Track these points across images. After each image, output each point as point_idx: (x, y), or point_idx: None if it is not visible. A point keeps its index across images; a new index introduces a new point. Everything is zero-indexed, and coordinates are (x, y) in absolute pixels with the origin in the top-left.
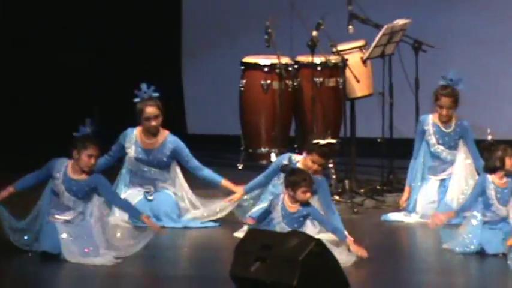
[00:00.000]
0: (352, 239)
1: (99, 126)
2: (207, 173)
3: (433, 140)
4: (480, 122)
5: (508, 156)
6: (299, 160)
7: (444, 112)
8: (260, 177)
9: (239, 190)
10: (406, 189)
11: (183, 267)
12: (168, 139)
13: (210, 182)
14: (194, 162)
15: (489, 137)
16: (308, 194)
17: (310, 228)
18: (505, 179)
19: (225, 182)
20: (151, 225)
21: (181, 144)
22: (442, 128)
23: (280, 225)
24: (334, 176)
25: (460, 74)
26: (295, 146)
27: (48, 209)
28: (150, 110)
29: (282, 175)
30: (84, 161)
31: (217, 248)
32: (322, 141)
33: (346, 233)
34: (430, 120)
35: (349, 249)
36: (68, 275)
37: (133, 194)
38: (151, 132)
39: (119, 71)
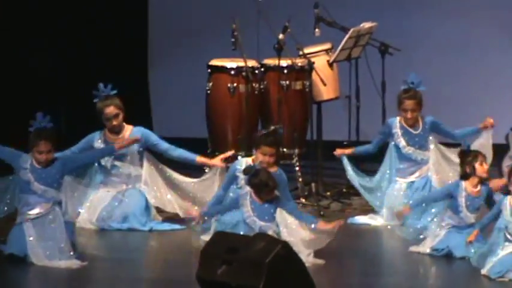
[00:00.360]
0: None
1: (66, 128)
2: (181, 152)
3: (402, 142)
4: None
5: (477, 162)
6: (252, 160)
7: (409, 115)
8: (218, 191)
9: (215, 162)
10: (351, 149)
11: (149, 270)
12: (134, 130)
13: (185, 161)
14: (165, 144)
15: (462, 143)
16: (273, 194)
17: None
18: (479, 187)
19: (199, 158)
20: (129, 142)
21: (147, 131)
22: (410, 130)
23: (251, 219)
24: (300, 179)
25: (420, 76)
26: None
27: (11, 208)
28: (109, 110)
29: (240, 179)
30: (36, 158)
31: (184, 251)
32: (265, 131)
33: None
34: (398, 123)
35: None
36: (35, 278)
37: (101, 197)
38: (115, 131)
39: (85, 74)
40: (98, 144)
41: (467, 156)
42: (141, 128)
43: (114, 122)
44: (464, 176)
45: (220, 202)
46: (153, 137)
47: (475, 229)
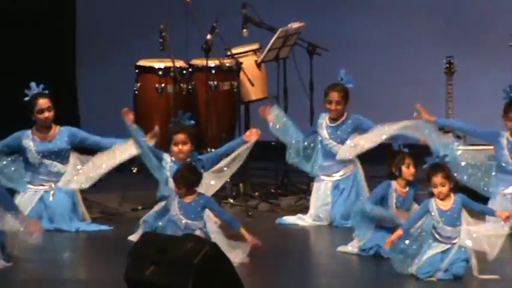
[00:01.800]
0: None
1: None
2: (110, 140)
3: (325, 134)
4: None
5: (404, 165)
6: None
7: (333, 107)
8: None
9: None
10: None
11: (76, 271)
12: (62, 129)
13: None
14: (95, 137)
15: (396, 145)
16: (181, 190)
17: (210, 222)
18: (407, 188)
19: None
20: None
21: (74, 128)
22: (332, 124)
23: (177, 217)
24: (228, 179)
25: (350, 74)
26: None
27: None
28: (42, 101)
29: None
30: None
31: (112, 251)
32: (173, 123)
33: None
34: (325, 116)
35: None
36: None
37: (29, 198)
38: (45, 126)
39: (11, 79)
40: (27, 142)
41: (395, 157)
42: (69, 128)
43: (47, 114)
44: (391, 176)
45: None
46: (81, 133)
47: (401, 228)
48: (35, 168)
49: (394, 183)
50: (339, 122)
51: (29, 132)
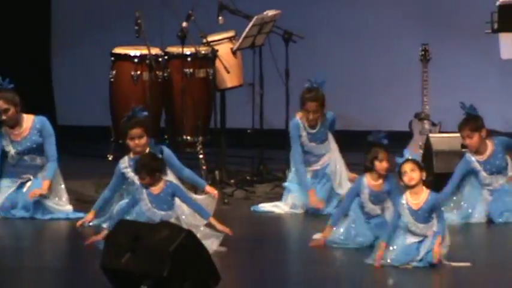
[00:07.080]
0: (215, 220)
1: None
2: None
3: (304, 138)
4: (348, 112)
5: (377, 160)
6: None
7: (311, 116)
8: (105, 193)
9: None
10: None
11: (51, 259)
12: (35, 120)
13: None
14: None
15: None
16: (145, 180)
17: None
18: (380, 181)
19: None
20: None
21: (46, 124)
22: (310, 130)
23: (150, 212)
24: (204, 167)
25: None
26: (165, 136)
27: None
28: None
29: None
30: None
31: (87, 239)
32: (126, 116)
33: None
34: (300, 124)
35: (215, 229)
36: None
37: (5, 187)
38: (9, 125)
39: None
40: (6, 144)
41: (370, 152)
42: (43, 119)
43: (3, 117)
44: (366, 168)
45: (107, 203)
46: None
47: (383, 241)
48: (14, 164)
49: (365, 180)
50: (317, 129)
51: (2, 131)
